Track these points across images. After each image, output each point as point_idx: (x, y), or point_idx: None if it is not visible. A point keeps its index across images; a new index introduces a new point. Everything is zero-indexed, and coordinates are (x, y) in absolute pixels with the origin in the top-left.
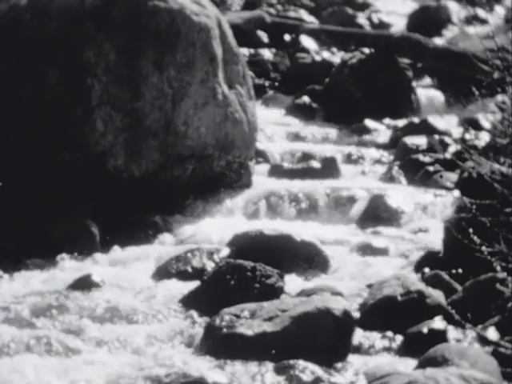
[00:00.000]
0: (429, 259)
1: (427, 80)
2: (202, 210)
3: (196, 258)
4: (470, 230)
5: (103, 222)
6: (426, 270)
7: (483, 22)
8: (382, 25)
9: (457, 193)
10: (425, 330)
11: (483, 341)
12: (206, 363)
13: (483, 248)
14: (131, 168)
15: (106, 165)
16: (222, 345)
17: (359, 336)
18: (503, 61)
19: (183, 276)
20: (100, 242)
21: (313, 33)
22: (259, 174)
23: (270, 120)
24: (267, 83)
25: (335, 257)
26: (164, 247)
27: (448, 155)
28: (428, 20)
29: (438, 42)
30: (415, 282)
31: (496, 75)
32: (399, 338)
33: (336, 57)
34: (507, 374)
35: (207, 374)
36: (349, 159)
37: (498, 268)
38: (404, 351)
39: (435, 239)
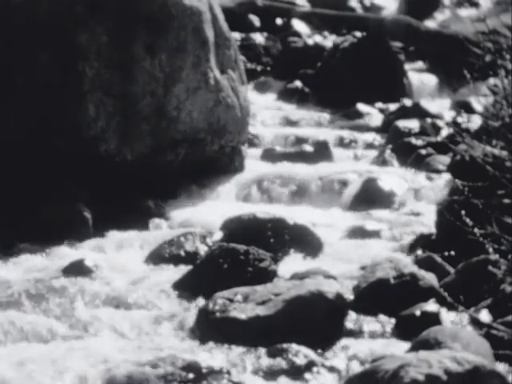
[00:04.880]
0: (421, 242)
1: (419, 63)
2: (195, 194)
3: (189, 241)
4: (463, 213)
5: (96, 206)
6: (419, 252)
7: (475, 4)
8: (374, 8)
9: (449, 175)
10: (417, 313)
11: (476, 323)
12: (199, 347)
13: (476, 230)
14: (123, 152)
15: (98, 149)
16: (215, 329)
17: (352, 319)
18: (495, 44)
19: (176, 260)
20: (93, 227)
21: (304, 16)
22: (252, 158)
23: (262, 104)
24: (259, 68)
25: (328, 240)
26: (157, 231)
27: (440, 138)
28: (419, 2)
29: (430, 24)
30: (408, 265)
31: (488, 58)
32: (392, 321)
33: (328, 41)
34: (500, 356)
35: (200, 358)
36: (341, 143)
37: (491, 250)
38: (397, 334)
39: (428, 222)
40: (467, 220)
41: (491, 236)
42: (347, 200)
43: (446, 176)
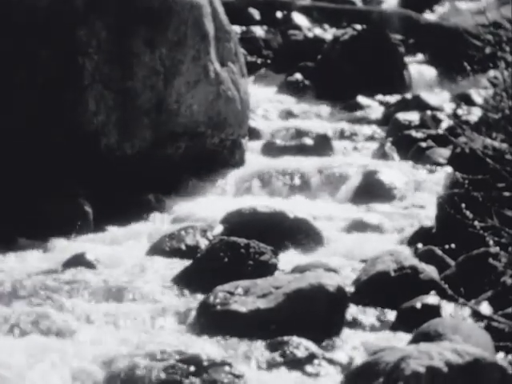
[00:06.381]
0: (422, 235)
1: (419, 56)
2: (195, 187)
3: (189, 235)
4: (463, 205)
5: (97, 201)
6: (419, 245)
7: None
8: (374, 0)
9: (449, 168)
10: (418, 305)
11: (476, 315)
12: (200, 340)
13: (476, 223)
14: (124, 147)
15: (98, 144)
16: (216, 322)
17: (353, 312)
18: (495, 36)
19: (177, 254)
20: (94, 221)
21: (305, 10)
22: (252, 151)
23: (263, 97)
24: (259, 61)
25: (328, 233)
26: (157, 225)
27: (440, 131)
28: None
29: (430, 17)
30: (408, 258)
31: (488, 50)
32: (393, 314)
33: (328, 33)
34: (500, 348)
35: (201, 351)
36: (341, 136)
37: (491, 242)
38: (398, 326)
39: (428, 215)
40: (467, 213)
41: (491, 229)
42: (347, 193)
43: (447, 169)
